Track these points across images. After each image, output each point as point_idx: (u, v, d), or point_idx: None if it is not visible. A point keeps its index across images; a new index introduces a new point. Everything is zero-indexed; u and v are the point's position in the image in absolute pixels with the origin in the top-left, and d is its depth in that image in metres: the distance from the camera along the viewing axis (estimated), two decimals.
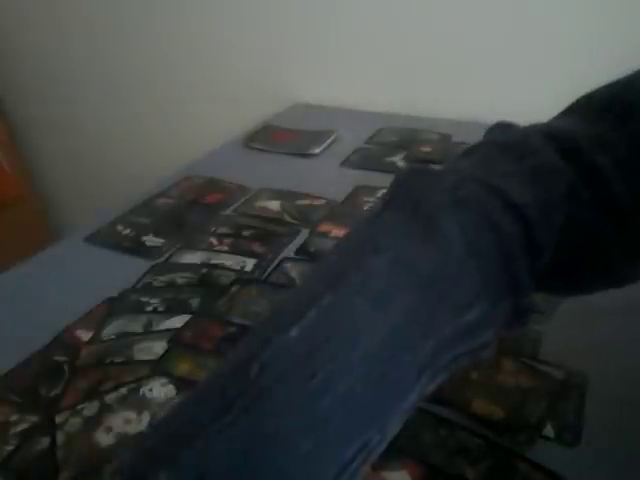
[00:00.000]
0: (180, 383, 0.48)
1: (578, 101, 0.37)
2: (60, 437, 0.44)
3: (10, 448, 0.44)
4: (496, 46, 1.01)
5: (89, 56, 1.41)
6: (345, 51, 1.14)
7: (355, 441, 0.25)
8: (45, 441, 0.44)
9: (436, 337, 0.27)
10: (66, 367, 0.51)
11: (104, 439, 0.44)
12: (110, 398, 0.47)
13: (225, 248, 0.69)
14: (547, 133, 0.34)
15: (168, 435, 0.25)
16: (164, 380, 0.49)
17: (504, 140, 0.35)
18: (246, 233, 0.72)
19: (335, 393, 0.25)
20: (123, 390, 0.48)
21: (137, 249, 0.70)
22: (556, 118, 0.38)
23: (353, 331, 0.26)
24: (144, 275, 0.64)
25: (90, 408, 0.46)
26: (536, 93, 0.98)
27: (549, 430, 0.43)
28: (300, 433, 0.24)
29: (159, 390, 0.48)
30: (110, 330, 0.55)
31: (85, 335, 0.55)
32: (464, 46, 1.03)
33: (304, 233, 0.71)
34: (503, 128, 0.37)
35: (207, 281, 0.62)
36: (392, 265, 0.28)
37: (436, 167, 0.34)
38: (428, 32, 1.05)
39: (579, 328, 0.52)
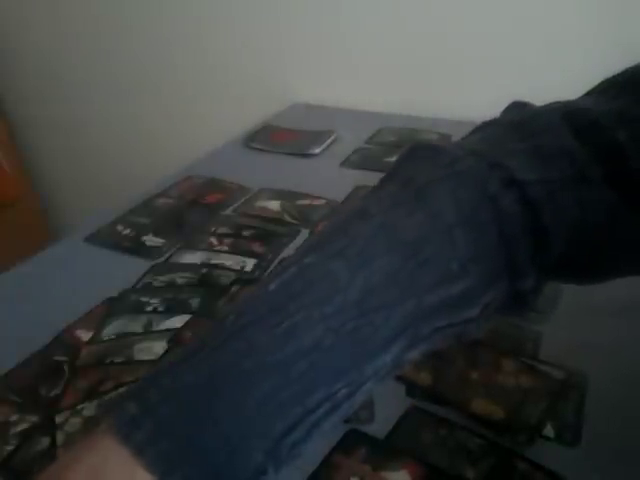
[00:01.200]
0: None
1: (601, 83, 0.36)
2: (60, 437, 0.44)
3: (10, 448, 0.43)
4: (496, 46, 1.01)
5: (89, 56, 1.41)
6: (345, 51, 1.14)
7: (318, 391, 0.26)
8: (45, 441, 0.44)
9: (415, 303, 0.27)
10: (66, 367, 0.51)
11: None
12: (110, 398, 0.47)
13: (225, 248, 0.69)
14: (565, 112, 0.32)
15: (144, 377, 0.27)
16: None
17: (516, 118, 0.34)
18: (246, 233, 0.72)
19: (300, 342, 0.26)
20: (123, 390, 0.48)
21: (137, 249, 0.70)
22: (578, 98, 0.36)
23: (328, 287, 0.27)
24: (144, 275, 0.64)
25: (90, 408, 0.46)
26: (536, 93, 0.97)
27: (549, 430, 0.43)
28: (261, 373, 0.25)
29: None
30: (110, 330, 0.55)
31: (85, 335, 0.55)
32: (464, 46, 1.03)
33: (304, 233, 0.71)
34: (519, 107, 0.36)
35: (207, 281, 0.62)
36: (376, 230, 0.29)
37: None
38: (428, 32, 1.05)
39: (579, 328, 0.52)
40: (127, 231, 0.74)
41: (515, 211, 0.29)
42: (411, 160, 0.33)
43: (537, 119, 0.33)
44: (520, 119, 0.34)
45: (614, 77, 0.35)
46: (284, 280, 0.28)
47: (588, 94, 0.36)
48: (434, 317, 0.28)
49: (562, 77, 0.96)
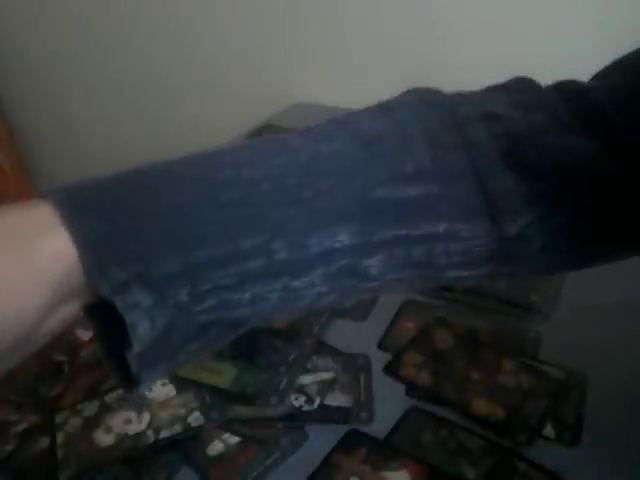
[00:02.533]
0: (180, 383, 0.48)
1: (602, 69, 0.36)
2: (60, 437, 0.44)
3: (10, 448, 0.44)
4: (496, 47, 1.01)
5: (89, 56, 1.41)
6: (345, 51, 1.14)
7: (251, 235, 0.24)
8: (45, 441, 0.44)
9: (363, 187, 0.27)
10: (66, 367, 0.51)
11: (104, 439, 0.44)
12: (110, 398, 0.47)
13: None
14: (557, 83, 0.33)
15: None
16: (164, 380, 0.49)
17: (512, 84, 0.34)
18: None
19: (241, 182, 0.25)
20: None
21: None
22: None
23: (278, 147, 0.27)
24: None
25: (90, 408, 0.46)
26: None
27: (549, 430, 0.43)
28: (206, 206, 0.24)
29: (159, 390, 0.48)
30: None
31: (85, 335, 0.55)
32: (464, 46, 1.03)
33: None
34: (518, 79, 0.36)
35: None
36: (339, 124, 0.29)
37: None
38: (428, 32, 1.05)
39: (579, 328, 0.52)
40: None
41: (488, 141, 0.29)
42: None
43: (529, 83, 0.33)
44: (513, 84, 0.34)
45: (613, 62, 0.35)
46: (244, 144, 0.28)
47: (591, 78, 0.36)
48: (389, 218, 0.27)
49: (563, 77, 0.96)
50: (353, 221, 0.26)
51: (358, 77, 1.15)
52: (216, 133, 1.08)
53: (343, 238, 0.26)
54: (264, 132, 1.04)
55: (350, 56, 1.14)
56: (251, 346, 0.51)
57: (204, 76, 1.30)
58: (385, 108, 0.30)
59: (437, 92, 0.34)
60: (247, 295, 0.24)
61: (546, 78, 0.35)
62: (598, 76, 0.34)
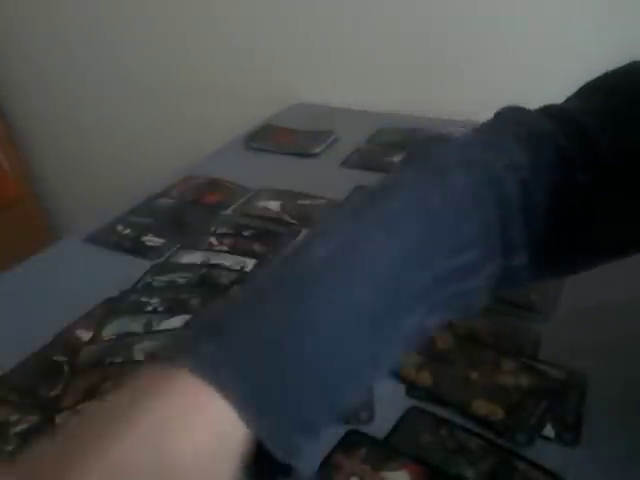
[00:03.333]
0: None
1: (581, 87, 0.42)
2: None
3: (10, 448, 0.43)
4: (495, 46, 1.01)
5: (89, 56, 1.41)
6: (345, 51, 1.14)
7: (360, 351, 0.27)
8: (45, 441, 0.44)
9: (434, 270, 0.30)
10: (66, 367, 0.51)
11: None
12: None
13: (225, 248, 0.69)
14: (544, 108, 0.38)
15: (201, 321, 0.26)
16: None
17: (510, 117, 0.38)
18: (246, 233, 0.72)
19: (350, 298, 0.27)
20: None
21: (137, 249, 0.70)
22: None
23: (371, 251, 0.29)
24: (144, 275, 0.64)
25: None
26: (535, 93, 0.97)
27: (549, 430, 0.43)
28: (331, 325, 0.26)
29: None
30: (110, 330, 0.55)
31: (85, 335, 0.55)
32: (463, 46, 1.03)
33: (304, 233, 0.71)
34: (512, 110, 0.40)
35: (207, 281, 0.62)
36: (405, 201, 0.31)
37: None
38: (428, 32, 1.05)
39: (579, 328, 0.52)
40: (127, 231, 0.74)
41: (512, 191, 0.33)
42: (425, 148, 0.37)
43: (525, 114, 0.38)
44: (513, 117, 0.38)
45: (592, 81, 0.41)
46: (332, 248, 0.29)
47: (569, 99, 0.41)
48: (446, 284, 0.31)
49: (563, 76, 0.96)
50: (424, 301, 0.30)
51: (358, 77, 1.15)
52: (216, 133, 1.08)
53: (418, 316, 0.30)
54: (264, 132, 1.04)
55: (350, 56, 1.14)
56: None
57: (204, 76, 1.30)
58: (438, 174, 0.33)
59: (518, 108, 0.39)
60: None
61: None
62: (580, 97, 0.40)
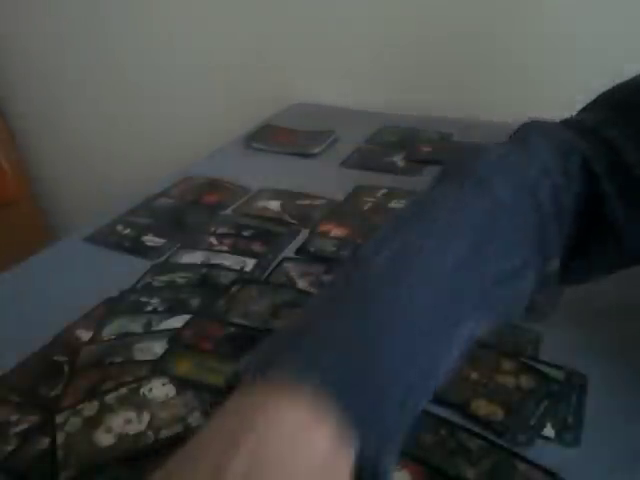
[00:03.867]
0: (180, 383, 0.48)
1: (594, 100, 0.43)
2: (60, 437, 0.44)
3: (10, 448, 0.43)
4: (495, 46, 1.01)
5: (89, 56, 1.41)
6: (345, 51, 1.14)
7: (420, 359, 0.28)
8: (45, 441, 0.44)
9: (486, 276, 0.31)
10: (66, 367, 0.51)
11: (104, 439, 0.44)
12: (110, 398, 0.47)
13: (225, 248, 0.69)
14: (564, 121, 0.41)
15: (287, 332, 0.30)
16: (164, 380, 0.49)
17: (536, 128, 0.40)
18: (246, 233, 0.72)
19: (415, 304, 0.29)
20: (123, 390, 0.48)
21: (137, 249, 0.70)
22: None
23: (426, 261, 0.31)
24: (144, 275, 0.64)
25: (90, 408, 0.46)
26: (535, 93, 0.98)
27: (549, 430, 0.43)
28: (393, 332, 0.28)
29: (159, 390, 0.48)
30: (110, 330, 0.55)
31: (85, 335, 0.55)
32: (463, 46, 1.03)
33: (304, 233, 0.71)
34: (537, 122, 0.42)
35: (207, 281, 0.62)
36: (450, 214, 0.33)
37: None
38: (428, 32, 1.05)
39: (579, 328, 0.52)
40: (127, 231, 0.74)
41: (546, 196, 0.35)
42: (461, 159, 0.38)
43: (551, 125, 0.40)
44: (540, 127, 0.40)
45: (608, 92, 0.42)
46: (388, 255, 0.31)
47: (584, 110, 0.43)
48: (499, 288, 0.32)
49: (562, 77, 0.96)
50: (479, 306, 0.32)
51: (358, 77, 1.15)
52: (216, 133, 1.08)
53: (473, 324, 0.31)
54: (264, 132, 1.04)
55: (350, 56, 1.14)
56: (252, 346, 0.51)
57: (203, 76, 1.30)
58: (480, 183, 0.35)
59: (550, 124, 0.41)
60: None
61: None
62: (598, 109, 0.42)
